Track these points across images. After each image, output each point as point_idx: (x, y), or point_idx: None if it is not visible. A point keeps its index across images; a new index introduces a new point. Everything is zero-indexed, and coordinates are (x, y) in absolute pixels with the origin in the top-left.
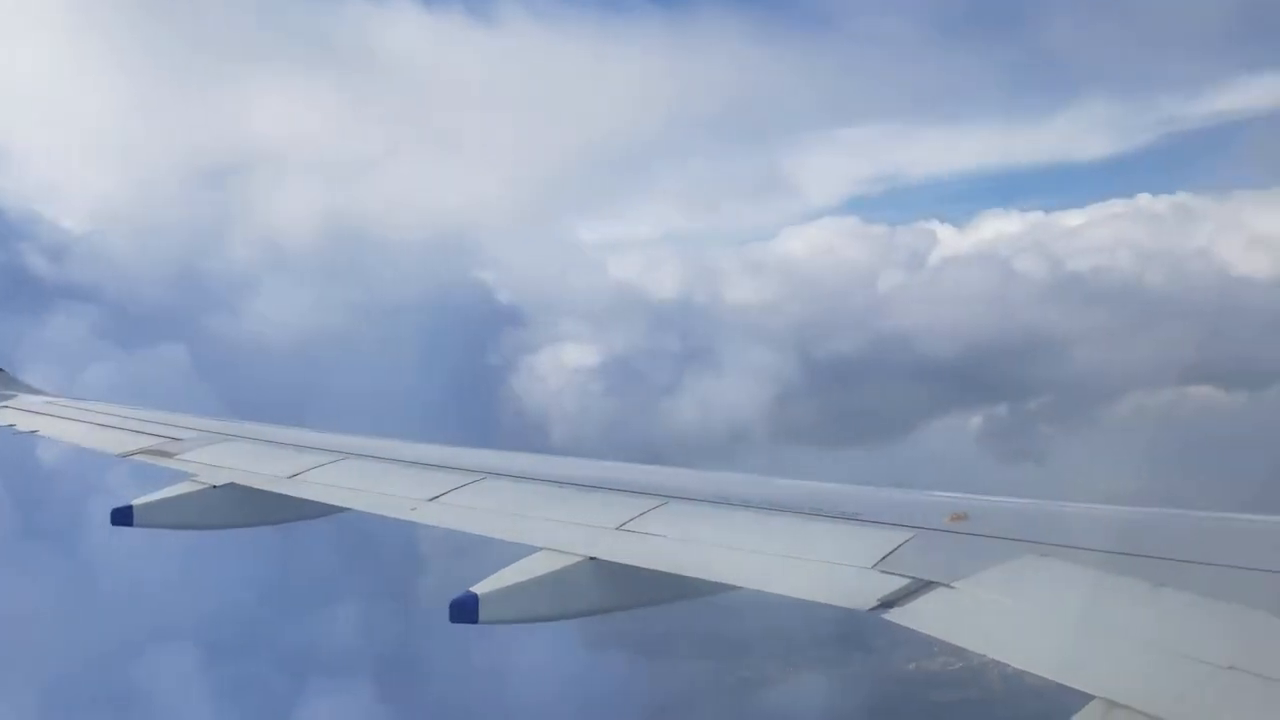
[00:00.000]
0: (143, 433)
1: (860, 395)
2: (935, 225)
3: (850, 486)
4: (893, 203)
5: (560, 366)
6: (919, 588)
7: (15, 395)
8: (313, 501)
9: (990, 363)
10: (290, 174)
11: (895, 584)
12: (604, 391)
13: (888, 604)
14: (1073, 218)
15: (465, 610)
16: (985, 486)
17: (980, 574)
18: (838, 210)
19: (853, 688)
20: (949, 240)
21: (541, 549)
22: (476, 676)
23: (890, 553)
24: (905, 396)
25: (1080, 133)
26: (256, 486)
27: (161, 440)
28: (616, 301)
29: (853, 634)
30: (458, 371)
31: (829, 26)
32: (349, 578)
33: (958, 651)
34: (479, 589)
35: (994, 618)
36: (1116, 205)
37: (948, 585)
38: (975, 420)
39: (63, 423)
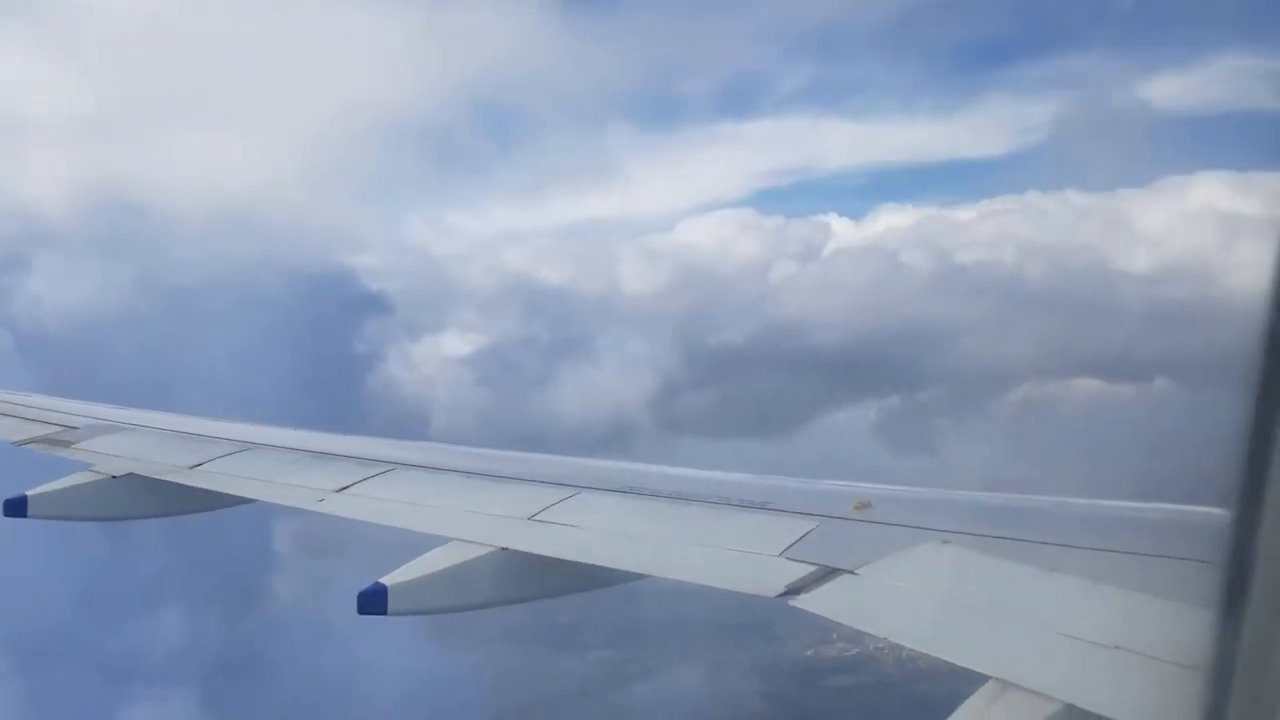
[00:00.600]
0: (38, 420)
1: (754, 386)
2: (833, 218)
3: (757, 476)
4: (801, 195)
5: (438, 356)
6: (824, 575)
7: None
8: (216, 493)
9: (882, 355)
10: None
11: (801, 571)
12: (486, 381)
13: (794, 591)
14: (965, 213)
15: (373, 602)
16: (880, 477)
17: (882, 561)
18: (747, 202)
19: (752, 674)
20: (844, 233)
21: (452, 540)
22: (330, 678)
23: (796, 541)
24: (800, 388)
25: (984, 129)
26: (157, 477)
27: (58, 429)
28: (506, 291)
29: (754, 622)
30: (312, 359)
31: (737, 15)
32: (206, 575)
33: (855, 637)
34: (388, 580)
35: (895, 603)
36: (1008, 201)
37: (851, 572)
38: (869, 411)
39: None
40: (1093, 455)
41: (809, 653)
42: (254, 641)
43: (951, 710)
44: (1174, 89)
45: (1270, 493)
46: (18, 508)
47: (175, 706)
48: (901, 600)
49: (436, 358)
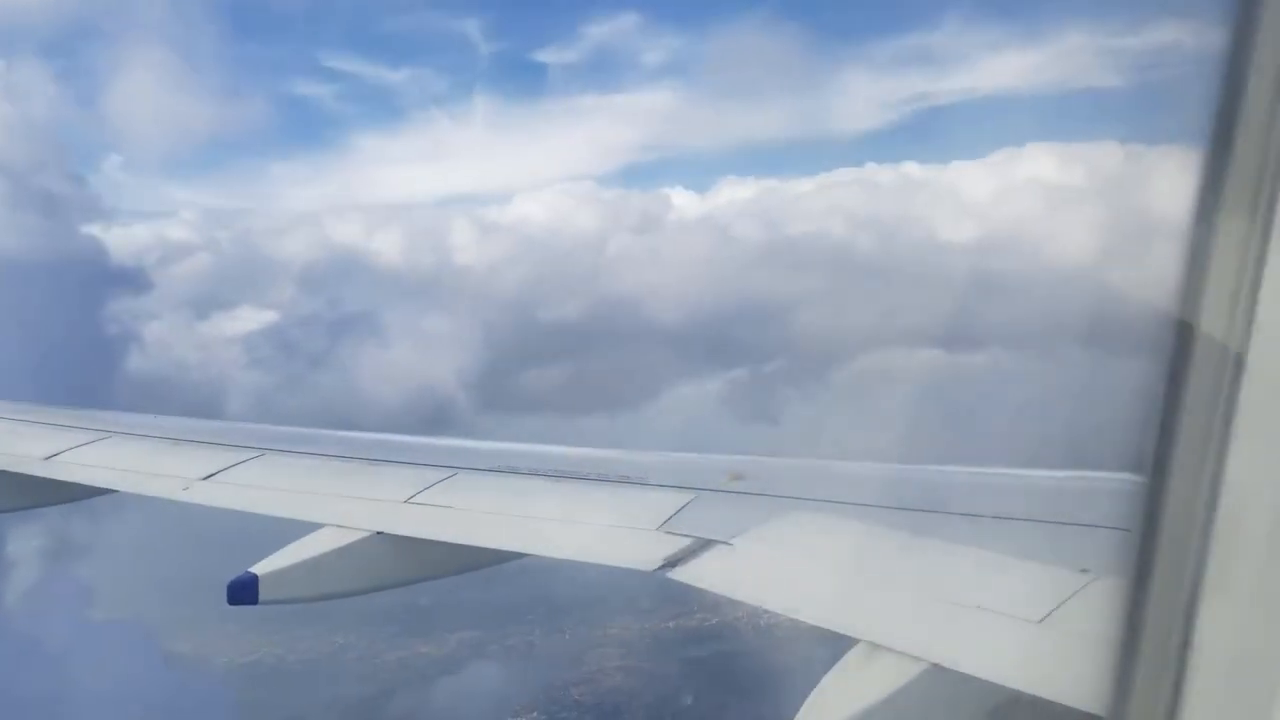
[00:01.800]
0: None
1: (597, 362)
2: (677, 191)
3: (632, 452)
4: (662, 170)
5: (231, 333)
6: (700, 547)
7: None
8: (74, 484)
9: (724, 328)
10: None
11: (678, 544)
12: (296, 358)
13: (671, 563)
14: (804, 185)
15: (243, 591)
16: (731, 448)
17: (756, 530)
18: (611, 178)
19: (612, 648)
20: (687, 206)
21: (325, 525)
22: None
23: (673, 514)
24: (644, 362)
25: (844, 105)
26: (10, 469)
27: None
28: (335, 264)
29: (618, 597)
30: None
31: None
32: None
33: (714, 607)
34: (258, 569)
35: (769, 571)
36: (846, 174)
37: (727, 543)
38: (714, 384)
39: None
40: (940, 423)
41: (670, 624)
42: None
43: (814, 675)
44: (1019, 66)
45: (1173, 459)
46: None
47: None
48: (775, 569)
49: (229, 336)
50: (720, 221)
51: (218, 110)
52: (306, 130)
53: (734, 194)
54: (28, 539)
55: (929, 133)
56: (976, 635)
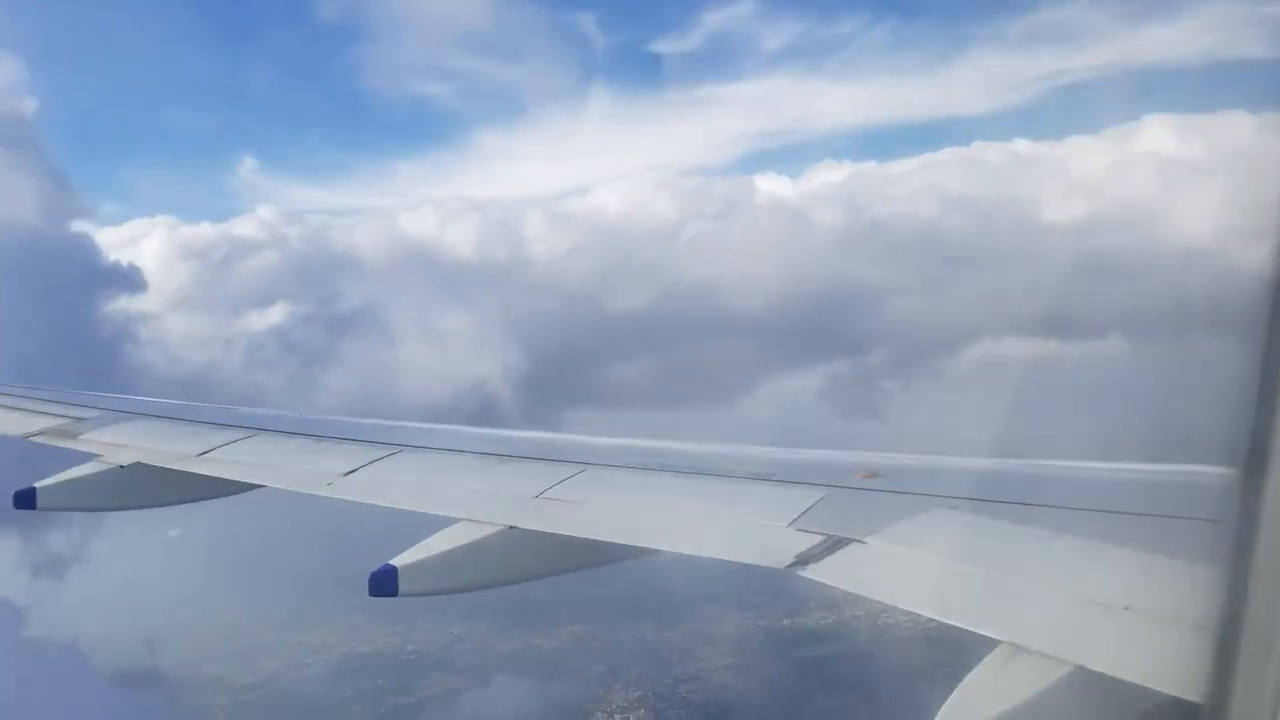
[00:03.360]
0: (45, 413)
1: (687, 354)
2: (781, 177)
3: (764, 448)
4: (787, 157)
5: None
6: (833, 544)
7: None
8: (225, 480)
9: (824, 318)
10: None
11: (810, 541)
12: (369, 353)
13: (803, 561)
14: (907, 166)
15: (384, 583)
16: (834, 443)
17: (891, 528)
18: (732, 167)
19: (724, 645)
20: (783, 192)
21: (461, 519)
22: None
23: (805, 511)
24: (736, 354)
25: (965, 86)
26: (165, 465)
27: (65, 420)
28: (407, 259)
29: (731, 594)
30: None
31: None
32: None
33: (832, 606)
34: (398, 561)
35: (905, 570)
36: (952, 153)
37: (860, 541)
38: (812, 378)
39: None
40: (1061, 416)
41: (785, 622)
42: None
43: (935, 678)
44: (1160, 40)
45: (1276, 451)
46: (27, 500)
47: None
48: (911, 567)
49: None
50: (818, 206)
51: (342, 112)
52: (428, 129)
53: (831, 178)
54: (169, 530)
55: (1054, 110)
56: (1124, 636)
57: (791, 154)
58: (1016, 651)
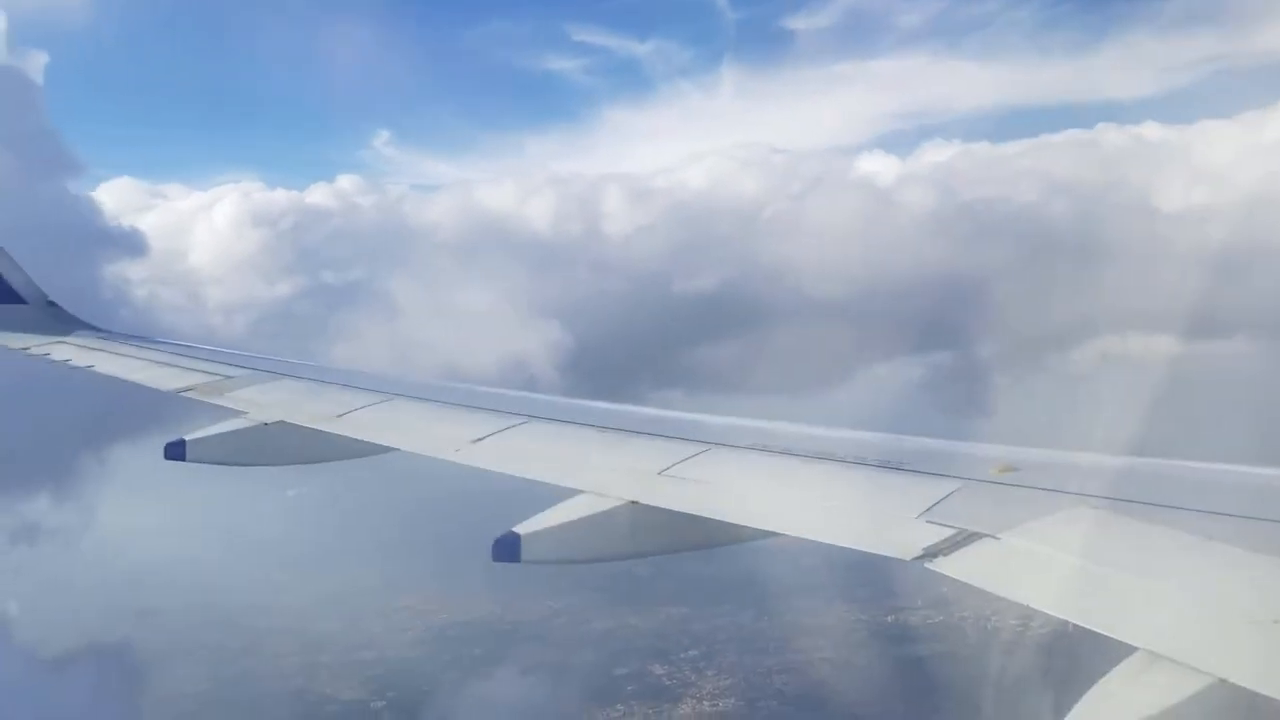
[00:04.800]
0: (195, 370)
1: (784, 339)
2: (878, 156)
3: (896, 436)
4: (924, 135)
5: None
6: (964, 538)
7: (71, 332)
8: (361, 441)
9: (927, 305)
10: None
11: (940, 534)
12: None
13: (931, 554)
14: (1020, 147)
15: (507, 549)
16: (938, 438)
17: (1027, 525)
18: (868, 145)
19: (822, 637)
20: (889, 171)
21: (583, 492)
22: None
23: (936, 503)
24: (834, 340)
25: (1122, 68)
26: (305, 425)
27: (213, 378)
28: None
29: (836, 585)
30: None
31: None
32: None
33: (939, 605)
34: (521, 529)
35: (1039, 569)
36: (1074, 135)
37: (994, 536)
38: (916, 367)
39: (118, 359)
40: (1192, 417)
41: (889, 618)
42: None
43: (1027, 686)
44: None
45: None
46: (177, 451)
47: None
48: (1045, 566)
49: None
50: (916, 186)
51: (482, 88)
52: (558, 104)
53: (937, 158)
54: (296, 489)
55: (1198, 95)
56: (1272, 651)
57: (919, 134)
58: (1154, 659)
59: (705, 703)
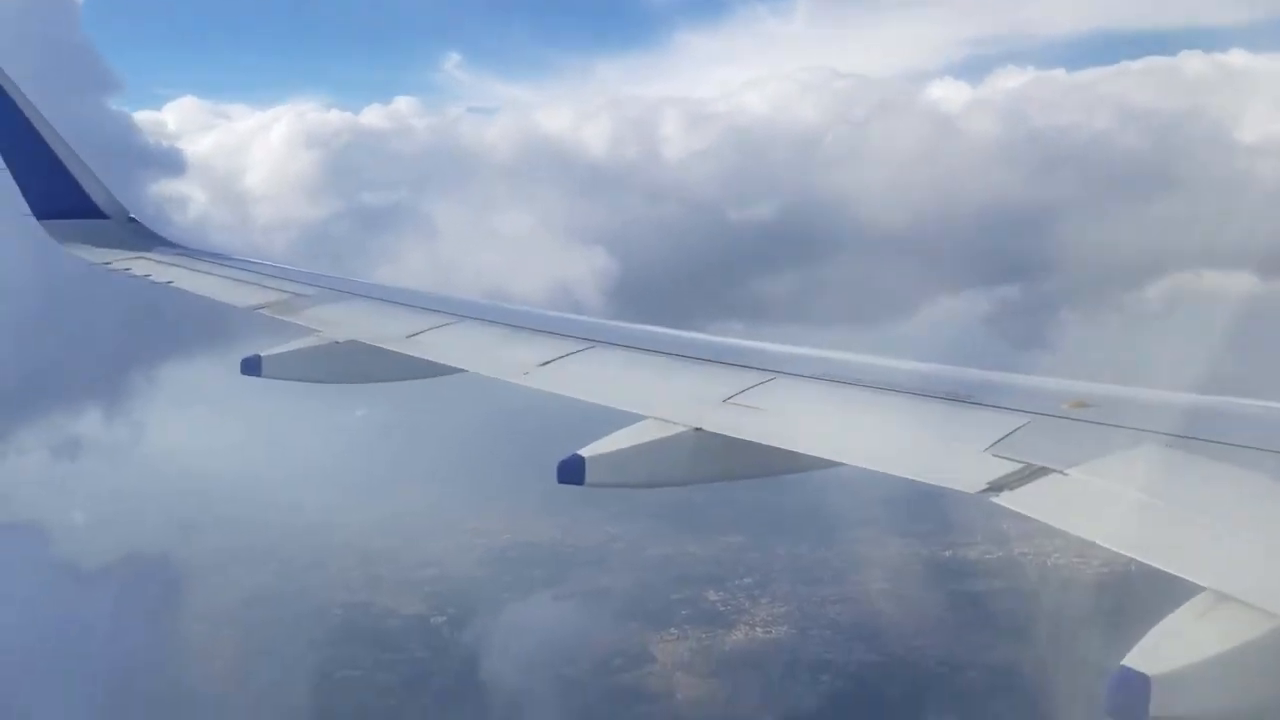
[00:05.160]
0: (270, 288)
1: (844, 271)
2: (948, 82)
3: (964, 369)
4: (1000, 61)
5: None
6: (1032, 473)
7: (151, 248)
8: (430, 362)
9: (996, 237)
10: None
11: (1007, 468)
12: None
13: (997, 488)
14: (1097, 74)
15: (571, 472)
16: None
17: (1097, 461)
18: (943, 72)
19: (881, 570)
20: (958, 98)
21: (648, 417)
22: None
23: (1004, 437)
24: (900, 271)
25: None
26: (377, 344)
27: (288, 296)
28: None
29: (896, 517)
30: None
31: None
32: None
33: (999, 541)
34: (586, 452)
35: (1107, 505)
36: (1157, 61)
37: (1062, 472)
38: (982, 301)
39: (196, 275)
40: (1262, 356)
41: (947, 553)
42: None
43: (1087, 623)
44: None
45: None
46: (253, 367)
47: None
48: (1114, 503)
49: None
50: (984, 114)
51: (556, 9)
52: (631, 27)
53: (1008, 84)
54: (364, 409)
55: None
56: None
57: (994, 61)
58: (1220, 600)
59: (758, 629)
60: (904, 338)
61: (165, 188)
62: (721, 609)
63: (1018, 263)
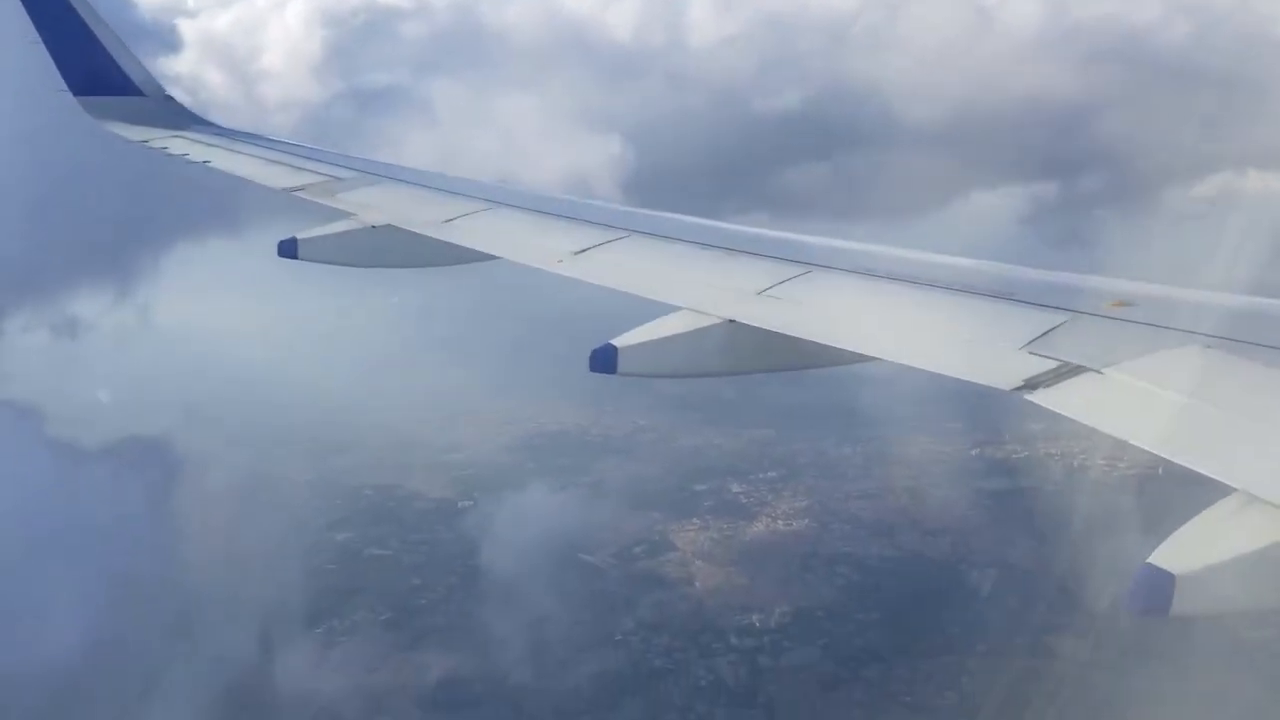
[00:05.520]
0: (306, 170)
1: (878, 162)
2: None
3: (1004, 265)
4: None
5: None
6: (1068, 371)
7: (188, 127)
8: (466, 248)
9: (1037, 132)
10: None
11: (1043, 366)
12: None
13: (1032, 385)
14: None
15: (604, 360)
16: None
17: (1135, 362)
18: None
19: (906, 466)
20: None
21: (682, 308)
22: None
23: (1042, 335)
24: (933, 165)
25: None
26: (413, 229)
27: (324, 179)
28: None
29: (923, 414)
30: None
31: None
32: None
33: (1026, 441)
34: (619, 341)
35: (1141, 405)
36: None
37: (1098, 371)
38: (1018, 198)
39: (233, 156)
40: None
41: (974, 451)
42: None
43: (1111, 523)
44: None
45: None
46: (289, 249)
47: None
48: (1148, 403)
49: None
50: (1049, 4)
51: None
52: None
53: None
54: (398, 295)
55: None
56: None
57: None
58: (1250, 501)
59: (779, 522)
60: (935, 233)
61: (164, 65)
62: (744, 501)
63: (1056, 159)
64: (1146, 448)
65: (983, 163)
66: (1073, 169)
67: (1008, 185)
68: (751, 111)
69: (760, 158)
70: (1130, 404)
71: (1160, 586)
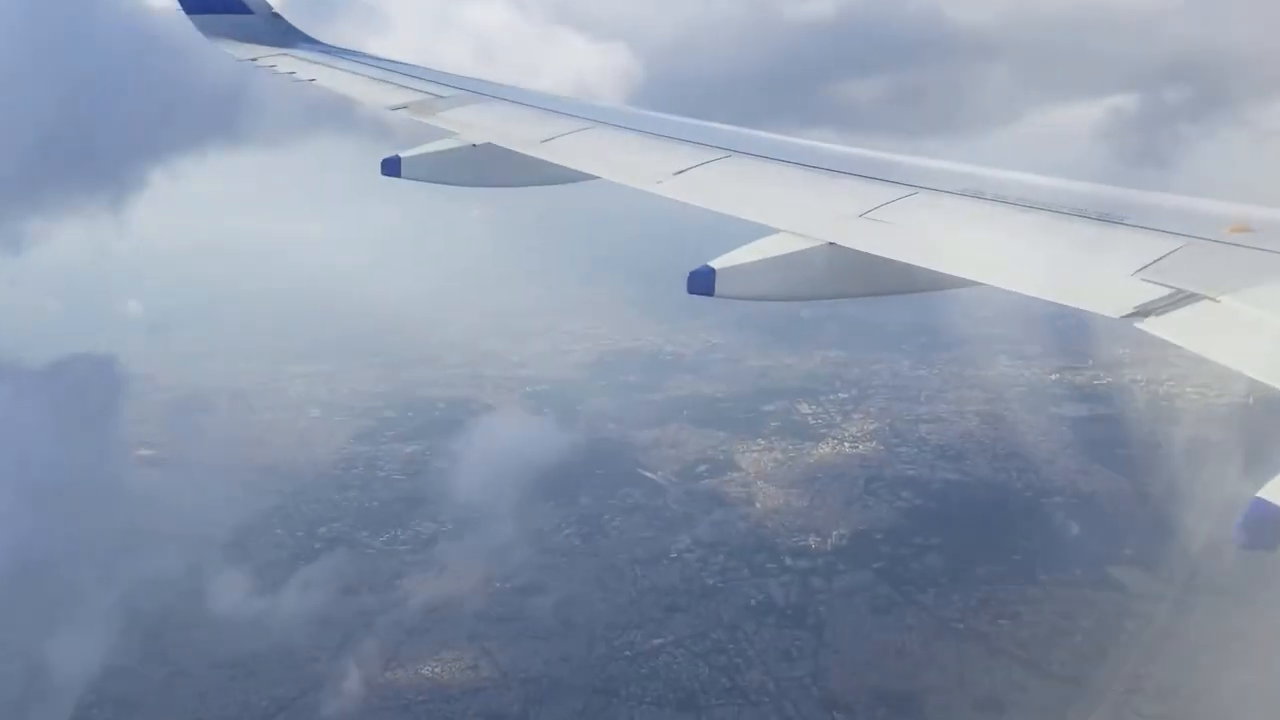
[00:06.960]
0: (409, 88)
1: (942, 74)
2: None
3: (1115, 188)
4: None
5: None
6: (1181, 299)
7: (295, 45)
8: (564, 167)
9: (1112, 41)
10: None
11: (1155, 293)
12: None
13: (1143, 313)
14: None
15: (701, 282)
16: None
17: (1252, 290)
18: None
19: (980, 390)
20: None
21: (781, 230)
22: None
23: (1155, 261)
24: (999, 77)
25: None
26: (512, 148)
27: (426, 97)
28: None
29: (1003, 338)
30: None
31: None
32: None
33: (1110, 367)
34: (716, 263)
35: (1256, 334)
36: None
37: (1213, 299)
38: (1094, 111)
39: (337, 74)
40: None
41: (1053, 376)
42: None
43: (1199, 453)
44: None
45: None
46: (393, 168)
47: None
48: (1267, 334)
49: None
50: None
51: None
52: None
53: None
54: (480, 209)
55: None
56: None
57: None
58: None
59: (846, 445)
60: (1005, 150)
61: None
62: (812, 422)
63: (1134, 70)
64: (1261, 379)
65: (1054, 74)
66: (1152, 81)
67: (1082, 99)
68: (807, 17)
69: (816, 70)
70: (1246, 334)
71: (1270, 521)
